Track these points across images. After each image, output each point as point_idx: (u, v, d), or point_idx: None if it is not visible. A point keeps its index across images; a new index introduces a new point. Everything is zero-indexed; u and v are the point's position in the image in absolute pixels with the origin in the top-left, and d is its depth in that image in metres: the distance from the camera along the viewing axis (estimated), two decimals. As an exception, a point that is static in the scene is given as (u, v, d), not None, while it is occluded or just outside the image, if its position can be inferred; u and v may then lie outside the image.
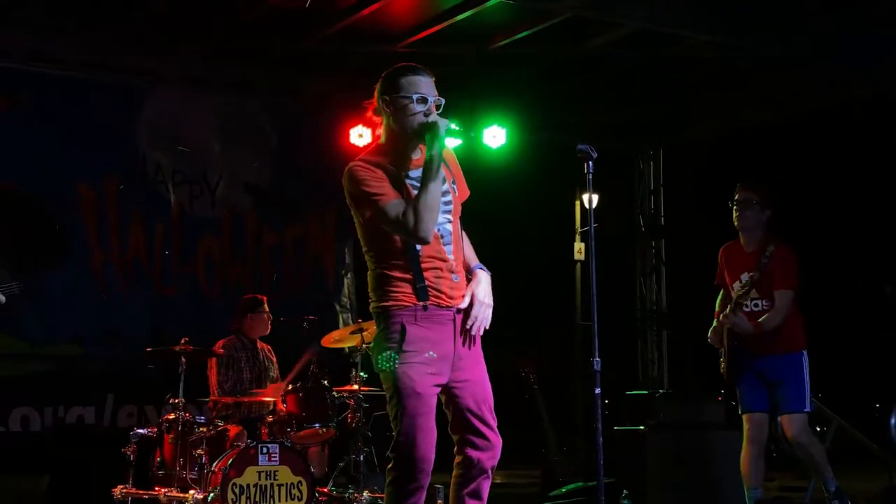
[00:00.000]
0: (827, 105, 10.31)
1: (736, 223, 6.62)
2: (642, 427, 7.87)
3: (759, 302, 6.51)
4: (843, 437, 9.36)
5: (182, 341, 6.80)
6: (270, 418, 6.88)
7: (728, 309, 6.52)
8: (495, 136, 10.11)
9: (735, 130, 11.91)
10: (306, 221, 10.52)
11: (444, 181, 4.28)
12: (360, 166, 4.22)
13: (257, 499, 6.32)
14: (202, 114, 9.96)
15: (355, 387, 7.05)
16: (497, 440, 4.30)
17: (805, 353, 6.60)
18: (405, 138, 4.26)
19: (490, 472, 4.27)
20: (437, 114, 4.28)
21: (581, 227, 14.65)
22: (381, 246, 4.22)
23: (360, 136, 9.91)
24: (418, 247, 4.16)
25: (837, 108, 10.52)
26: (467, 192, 4.52)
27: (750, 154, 13.75)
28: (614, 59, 9.50)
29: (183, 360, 6.77)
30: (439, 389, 4.18)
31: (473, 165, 10.74)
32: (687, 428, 7.93)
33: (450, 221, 4.28)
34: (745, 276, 6.49)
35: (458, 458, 4.26)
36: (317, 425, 6.88)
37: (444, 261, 4.22)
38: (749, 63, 9.43)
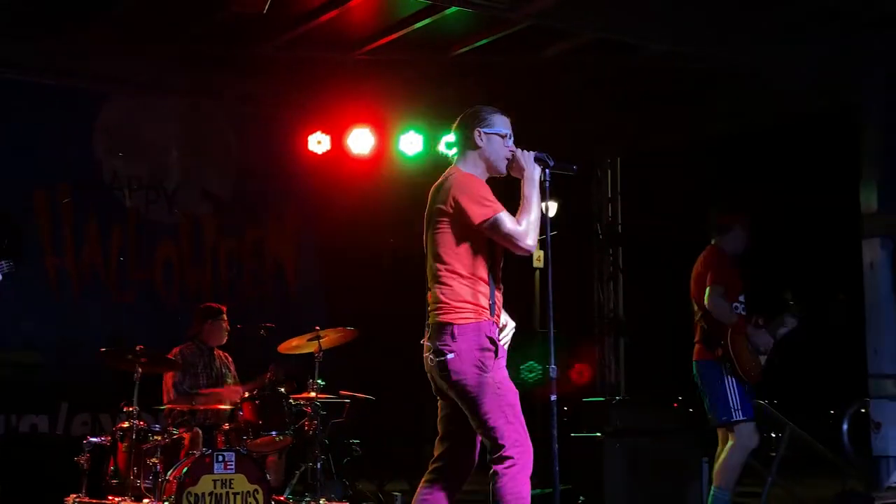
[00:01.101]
0: (786, 116, 10.41)
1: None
2: (599, 434, 7.92)
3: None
4: (796, 443, 9.44)
5: (137, 348, 6.74)
6: (227, 426, 6.84)
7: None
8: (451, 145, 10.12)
9: (693, 140, 11.99)
10: (265, 228, 10.49)
11: None
12: (470, 176, 4.65)
13: (213, 507, 6.28)
14: (160, 120, 9.89)
15: (313, 394, 7.03)
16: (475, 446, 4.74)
17: (709, 363, 6.93)
18: (491, 168, 4.74)
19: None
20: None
21: (540, 235, 14.72)
22: (473, 261, 4.57)
23: (318, 142, 9.90)
24: (494, 267, 4.59)
25: (796, 120, 10.62)
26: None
27: (707, 164, 13.86)
28: (573, 68, 9.55)
29: (138, 367, 6.71)
30: None
31: (432, 173, 10.80)
32: (643, 434, 7.98)
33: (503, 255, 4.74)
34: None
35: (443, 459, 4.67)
36: (273, 433, 6.86)
37: (501, 284, 4.66)
38: (707, 73, 9.50)
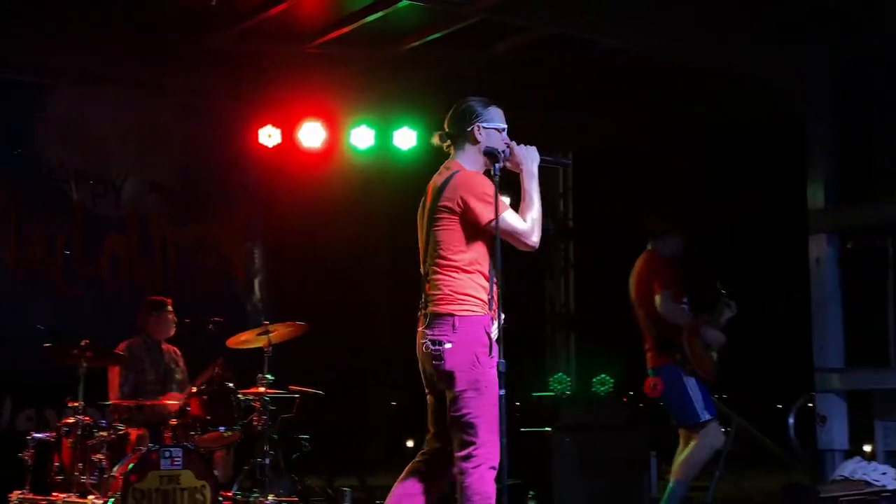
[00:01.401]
0: (737, 115, 10.49)
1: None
2: (549, 429, 7.94)
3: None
4: (743, 437, 9.54)
5: (83, 343, 6.66)
6: (174, 421, 6.78)
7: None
8: (406, 139, 10.12)
9: (645, 137, 12.05)
10: (214, 221, 10.40)
11: None
12: (475, 174, 4.70)
13: (159, 503, 6.22)
14: (107, 112, 9.77)
15: (261, 389, 6.98)
16: None
17: (669, 367, 6.99)
18: (486, 161, 4.75)
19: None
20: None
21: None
22: (476, 256, 4.62)
23: (269, 136, 9.84)
24: (494, 264, 4.61)
25: (747, 119, 10.70)
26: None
27: (660, 160, 13.93)
28: (525, 63, 9.55)
29: (83, 362, 6.63)
30: None
31: (384, 167, 10.79)
32: (592, 430, 8.02)
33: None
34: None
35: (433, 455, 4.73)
36: (221, 428, 6.81)
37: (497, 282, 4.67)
38: (661, 71, 9.54)
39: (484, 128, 4.77)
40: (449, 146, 4.88)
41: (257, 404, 6.99)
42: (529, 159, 4.73)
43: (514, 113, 11.09)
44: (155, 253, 10.03)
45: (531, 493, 7.69)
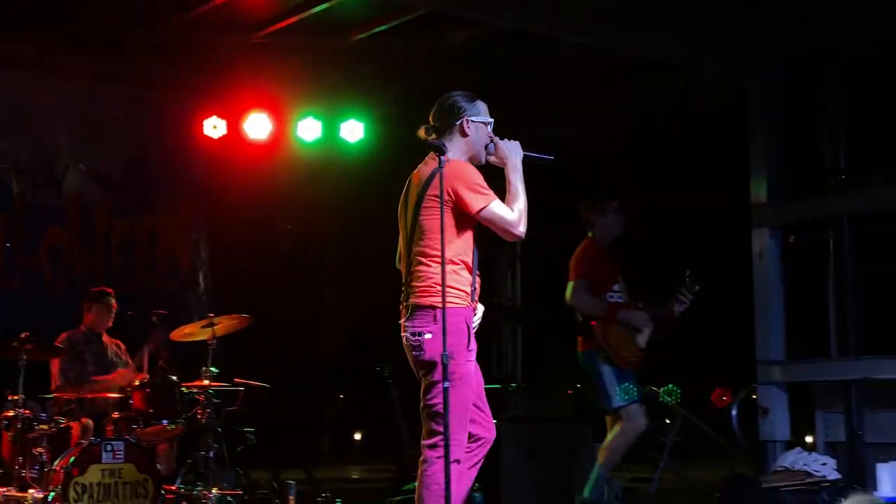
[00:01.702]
0: (688, 108, 10.57)
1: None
2: (495, 421, 7.94)
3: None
4: (687, 429, 9.62)
5: (22, 335, 6.57)
6: (116, 415, 6.71)
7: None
8: (353, 131, 10.09)
9: (593, 131, 12.09)
10: (159, 213, 10.31)
11: None
12: (466, 164, 4.77)
13: (100, 497, 6.17)
14: (50, 101, 9.64)
15: (206, 382, 6.93)
16: (492, 422, 4.96)
17: (591, 352, 7.10)
18: (473, 154, 4.85)
19: (489, 446, 4.92)
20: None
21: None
22: (460, 247, 4.68)
23: (214, 127, 9.76)
24: (475, 251, 4.70)
25: (697, 111, 10.79)
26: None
27: (609, 154, 13.99)
28: (474, 56, 9.55)
29: (23, 354, 6.54)
30: None
31: (331, 160, 10.74)
32: (539, 422, 8.05)
33: None
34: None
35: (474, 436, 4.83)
36: (164, 422, 6.76)
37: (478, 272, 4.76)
38: (612, 65, 9.58)
39: (472, 121, 4.85)
40: (434, 140, 4.91)
41: (201, 397, 6.94)
42: (513, 153, 4.80)
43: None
44: (97, 244, 9.92)
45: (476, 484, 7.69)
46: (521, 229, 4.70)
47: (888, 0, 7.99)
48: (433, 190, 4.68)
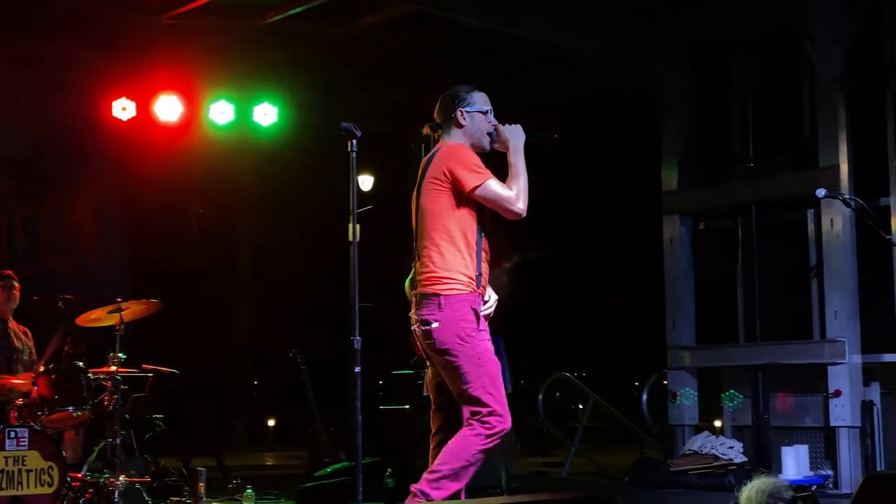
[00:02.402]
0: (597, 94, 10.65)
1: None
2: (408, 406, 7.95)
3: None
4: (599, 413, 9.73)
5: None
6: (20, 401, 6.56)
7: None
8: (266, 114, 9.98)
9: (506, 115, 12.12)
10: (65, 195, 10.10)
11: None
12: (463, 146, 4.75)
13: (4, 485, 6.01)
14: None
15: (113, 368, 6.80)
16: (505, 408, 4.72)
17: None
18: (476, 143, 4.80)
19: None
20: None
21: (357, 209, 14.62)
22: (460, 232, 4.65)
23: (123, 109, 9.57)
24: (481, 236, 4.66)
25: (605, 98, 10.88)
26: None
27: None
28: (387, 40, 9.52)
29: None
30: None
31: (244, 143, 10.62)
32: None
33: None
34: None
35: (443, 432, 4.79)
36: (70, 408, 6.60)
37: (487, 257, 4.73)
38: (520, 49, 9.62)
39: (467, 112, 4.82)
40: (440, 135, 4.93)
41: (108, 384, 6.80)
42: (514, 136, 4.77)
43: (375, 89, 11.13)
44: (1, 227, 9.68)
45: (389, 470, 7.69)
46: (520, 206, 4.63)
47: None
48: (431, 173, 4.72)
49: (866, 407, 7.83)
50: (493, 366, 4.59)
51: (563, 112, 11.02)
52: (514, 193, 4.63)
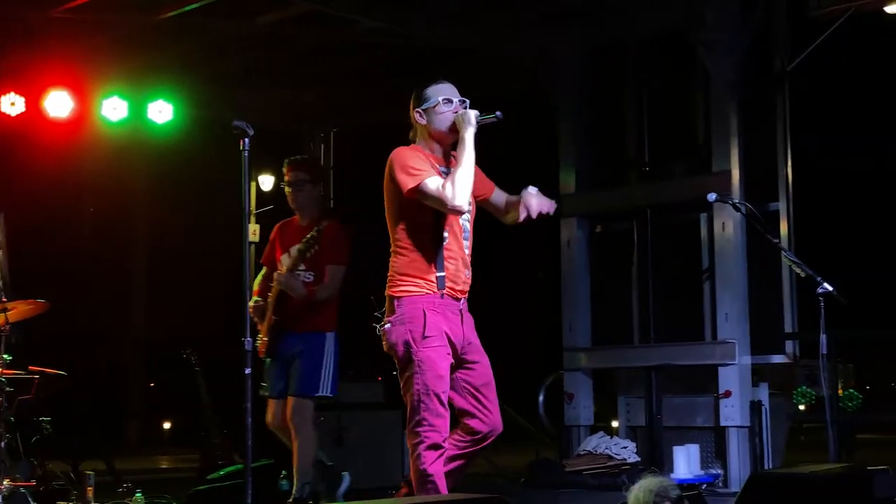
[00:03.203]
0: (495, 95, 10.68)
1: (292, 204, 6.60)
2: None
3: (307, 274, 6.44)
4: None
5: None
6: None
7: (281, 274, 6.40)
8: (161, 111, 9.81)
9: (407, 115, 12.13)
10: (-49, 193, 9.79)
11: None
12: (404, 149, 4.72)
13: None
14: None
15: (-2, 370, 6.61)
16: (497, 416, 4.75)
17: (332, 335, 6.53)
18: (441, 137, 4.75)
19: (488, 441, 4.74)
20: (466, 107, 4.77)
21: (256, 209, 14.48)
22: (411, 232, 4.62)
23: (11, 104, 9.29)
24: (445, 235, 4.61)
25: (505, 98, 10.92)
26: (491, 186, 4.96)
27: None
28: (289, 38, 9.44)
29: None
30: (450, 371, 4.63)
31: (138, 141, 10.43)
32: (346, 407, 8.03)
33: (469, 221, 4.78)
34: (294, 249, 6.41)
35: (460, 428, 4.71)
36: (-48, 412, 6.40)
37: (463, 255, 4.68)
38: (423, 49, 9.61)
39: (422, 110, 4.77)
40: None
41: (-7, 386, 6.60)
42: (465, 125, 4.66)
43: (274, 88, 11.01)
44: None
45: (284, 472, 7.61)
46: (455, 203, 4.52)
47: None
48: (384, 181, 4.72)
49: (755, 407, 8.00)
50: (433, 374, 4.51)
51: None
52: (447, 190, 4.54)
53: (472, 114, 4.66)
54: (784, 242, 7.87)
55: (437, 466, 4.53)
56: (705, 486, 7.72)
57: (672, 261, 8.65)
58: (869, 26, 9.03)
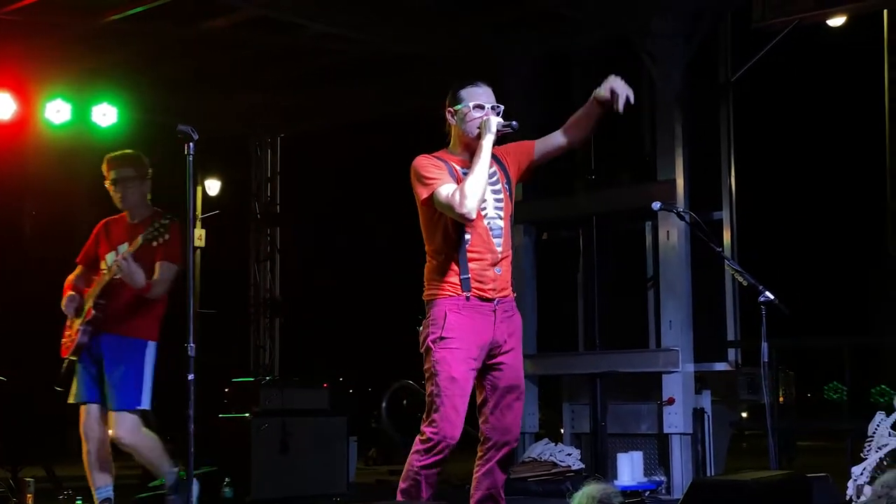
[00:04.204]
0: (443, 101, 10.70)
1: (119, 203, 5.95)
2: (247, 414, 7.85)
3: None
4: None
5: None
6: None
7: (120, 257, 5.65)
8: (105, 115, 9.72)
9: (353, 121, 12.12)
10: None
11: (498, 180, 4.69)
12: (424, 157, 4.66)
13: None
14: None
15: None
16: (511, 423, 4.65)
17: (152, 345, 5.88)
18: (469, 142, 4.65)
19: (502, 452, 4.64)
20: (497, 115, 4.67)
21: (202, 214, 14.39)
22: (435, 238, 4.60)
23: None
24: (467, 237, 4.54)
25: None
26: (530, 146, 4.89)
27: (369, 145, 14.07)
28: (236, 43, 9.39)
29: None
30: (475, 374, 4.55)
31: (82, 144, 10.31)
32: (291, 414, 7.99)
33: (501, 217, 4.66)
34: (124, 246, 5.77)
35: (483, 435, 4.65)
36: None
37: (492, 253, 4.58)
38: (370, 56, 9.61)
39: (454, 110, 4.67)
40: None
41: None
42: (486, 132, 4.58)
43: (221, 93, 10.94)
44: None
45: (227, 479, 7.57)
46: (462, 210, 4.45)
47: (613, 3, 8.38)
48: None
49: (698, 414, 8.08)
50: (445, 376, 4.47)
51: (413, 120, 11.07)
52: (455, 196, 4.47)
53: (495, 121, 4.59)
54: (727, 251, 7.97)
55: (427, 465, 4.50)
56: (648, 493, 7.78)
57: (617, 268, 8.71)
58: (811, 38, 9.18)
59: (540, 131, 9.16)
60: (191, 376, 4.43)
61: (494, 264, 4.58)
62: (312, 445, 8.01)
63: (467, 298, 4.52)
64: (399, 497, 4.59)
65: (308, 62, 9.92)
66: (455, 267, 4.55)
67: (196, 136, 4.65)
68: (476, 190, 4.47)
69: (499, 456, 4.63)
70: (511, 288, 4.67)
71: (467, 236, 4.56)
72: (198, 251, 13.66)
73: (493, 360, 4.59)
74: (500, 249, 4.60)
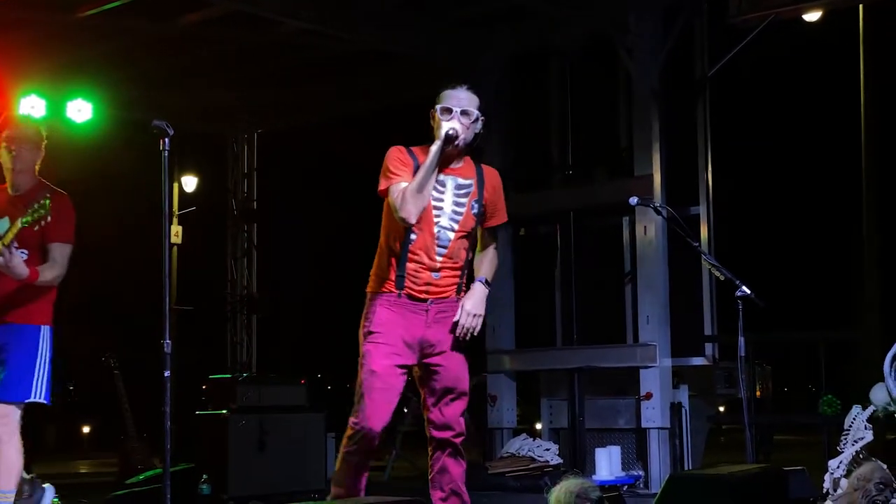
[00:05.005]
0: (420, 98, 10.68)
1: (9, 165, 5.40)
2: (225, 411, 7.82)
3: (21, 252, 5.11)
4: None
5: None
6: None
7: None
8: (80, 111, 9.65)
9: (331, 118, 12.10)
10: None
11: (468, 194, 4.63)
12: (396, 149, 4.64)
13: None
14: None
15: None
16: (452, 417, 4.65)
17: (48, 330, 5.33)
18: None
19: (456, 447, 4.65)
20: (474, 124, 4.66)
21: (179, 210, 14.33)
22: (384, 233, 4.64)
23: (-76, 103, 9.09)
24: (413, 237, 4.53)
25: (430, 103, 10.94)
26: (503, 218, 4.81)
27: (343, 142, 14.05)
28: (212, 39, 9.35)
29: None
30: (402, 371, 4.56)
31: (56, 140, 10.21)
32: (268, 411, 7.97)
33: (453, 230, 4.58)
34: (5, 221, 5.19)
35: (429, 437, 4.70)
36: None
37: (431, 259, 4.55)
38: (348, 52, 9.59)
39: (433, 112, 4.65)
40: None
41: None
42: (437, 136, 4.55)
43: (197, 89, 10.87)
44: None
45: (204, 476, 7.55)
46: (402, 213, 4.43)
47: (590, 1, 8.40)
48: None
49: (675, 409, 8.11)
50: (367, 369, 4.51)
51: (391, 116, 11.06)
52: (397, 199, 4.45)
53: (446, 127, 4.53)
54: (704, 246, 7.98)
55: (351, 452, 4.59)
56: (626, 487, 7.79)
57: (595, 264, 8.72)
58: (788, 33, 9.21)
59: (515, 131, 9.22)
60: (167, 373, 4.40)
61: (433, 270, 4.57)
62: (290, 442, 8.00)
63: (399, 296, 4.55)
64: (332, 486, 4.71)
65: (285, 59, 9.88)
66: (395, 263, 4.58)
67: (171, 132, 4.60)
68: (416, 197, 4.44)
69: (447, 452, 4.65)
70: (454, 292, 4.60)
71: (413, 236, 4.55)
72: (174, 248, 13.63)
73: (429, 361, 4.60)
74: (439, 259, 4.56)
